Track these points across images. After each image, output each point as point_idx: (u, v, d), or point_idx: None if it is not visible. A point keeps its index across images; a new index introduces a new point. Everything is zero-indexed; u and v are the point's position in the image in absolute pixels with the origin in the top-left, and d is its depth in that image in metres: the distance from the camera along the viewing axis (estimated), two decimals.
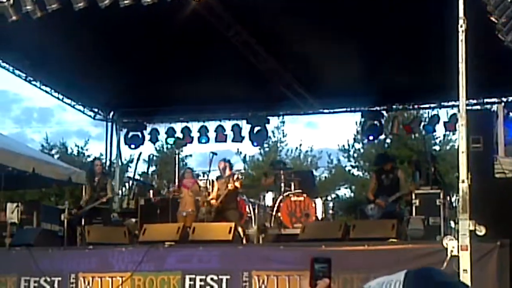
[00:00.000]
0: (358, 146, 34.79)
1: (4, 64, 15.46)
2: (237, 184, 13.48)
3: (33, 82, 16.54)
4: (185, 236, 11.97)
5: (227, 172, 13.74)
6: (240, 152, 35.23)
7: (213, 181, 14.76)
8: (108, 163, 19.19)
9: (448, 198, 12.59)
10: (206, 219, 13.60)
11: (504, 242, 9.76)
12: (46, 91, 16.97)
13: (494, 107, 16.35)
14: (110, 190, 14.67)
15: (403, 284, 2.03)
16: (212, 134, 18.20)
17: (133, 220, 14.68)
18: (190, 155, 34.81)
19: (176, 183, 15.03)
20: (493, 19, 9.28)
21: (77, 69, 15.70)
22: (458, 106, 9.84)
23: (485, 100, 16.13)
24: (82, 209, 14.17)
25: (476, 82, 9.63)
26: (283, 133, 35.95)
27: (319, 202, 14.07)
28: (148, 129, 18.79)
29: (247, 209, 14.52)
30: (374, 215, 13.24)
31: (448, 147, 31.83)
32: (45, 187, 23.85)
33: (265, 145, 31.78)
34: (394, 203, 13.42)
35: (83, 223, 13.70)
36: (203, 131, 18.22)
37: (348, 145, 35.04)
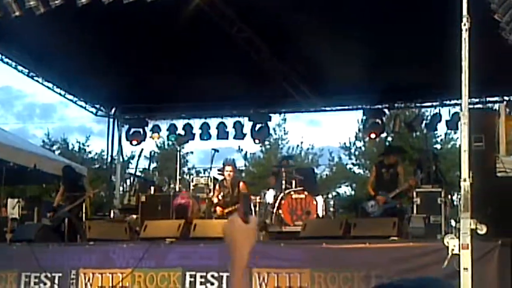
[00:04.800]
0: (359, 144, 34.83)
1: (7, 60, 15.48)
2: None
3: (36, 78, 16.54)
4: (186, 233, 11.97)
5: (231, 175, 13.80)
6: (242, 149, 35.30)
7: (214, 178, 14.76)
8: (109, 159, 19.23)
9: (449, 196, 12.55)
10: (207, 217, 13.61)
11: (505, 241, 9.77)
12: (48, 87, 16.99)
13: (496, 106, 16.33)
14: (89, 187, 14.96)
15: None
16: (213, 131, 18.20)
17: (134, 216, 14.68)
18: (192, 152, 34.94)
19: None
20: (496, 17, 9.26)
21: (80, 65, 15.70)
22: (460, 104, 9.82)
23: (487, 98, 16.10)
24: (58, 211, 14.22)
25: (478, 81, 9.61)
26: (284, 130, 35.99)
27: (320, 199, 14.03)
28: (150, 125, 18.77)
29: None
30: (374, 212, 13.19)
31: (449, 146, 31.83)
32: (46, 183, 23.82)
33: (266, 143, 31.77)
34: (395, 200, 13.37)
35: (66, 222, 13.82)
36: (205, 128, 18.21)
37: (350, 143, 35.12)
